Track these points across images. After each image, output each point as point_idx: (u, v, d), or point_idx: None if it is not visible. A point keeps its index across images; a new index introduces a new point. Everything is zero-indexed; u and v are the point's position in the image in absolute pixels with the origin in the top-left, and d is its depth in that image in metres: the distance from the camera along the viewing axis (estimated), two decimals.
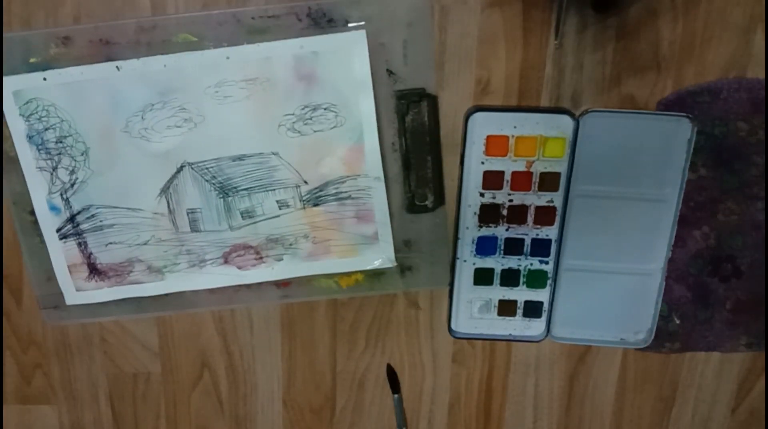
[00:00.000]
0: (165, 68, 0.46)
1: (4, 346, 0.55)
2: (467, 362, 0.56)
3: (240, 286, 0.53)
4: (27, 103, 0.47)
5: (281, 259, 0.52)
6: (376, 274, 0.52)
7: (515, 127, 0.47)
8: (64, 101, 0.47)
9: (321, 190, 0.50)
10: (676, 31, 0.46)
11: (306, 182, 0.49)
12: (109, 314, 0.53)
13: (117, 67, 0.46)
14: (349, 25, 0.45)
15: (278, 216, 0.50)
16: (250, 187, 0.49)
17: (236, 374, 0.56)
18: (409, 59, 0.46)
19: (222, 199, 0.49)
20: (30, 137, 0.48)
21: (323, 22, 0.45)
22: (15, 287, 0.53)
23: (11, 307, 0.54)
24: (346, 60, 0.46)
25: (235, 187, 0.49)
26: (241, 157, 0.48)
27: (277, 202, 0.50)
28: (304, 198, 0.50)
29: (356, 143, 0.48)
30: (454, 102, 0.48)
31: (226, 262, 0.52)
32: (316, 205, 0.50)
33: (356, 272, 0.52)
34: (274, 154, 0.48)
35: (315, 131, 0.48)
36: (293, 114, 0.47)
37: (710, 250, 0.52)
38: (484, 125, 0.47)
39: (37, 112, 0.47)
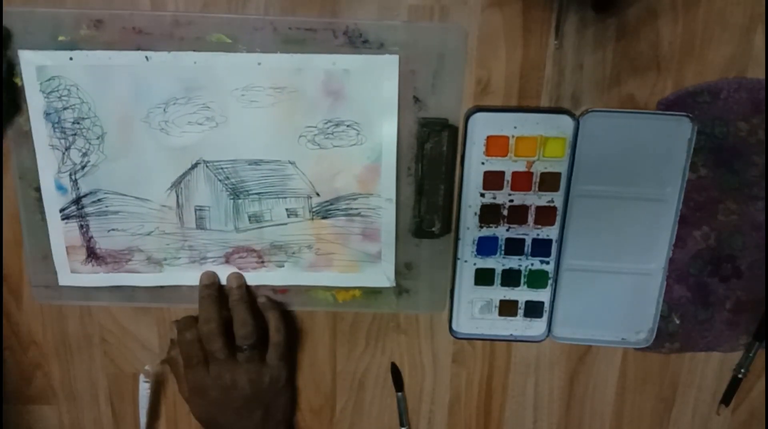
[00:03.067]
0: (195, 65, 0.46)
1: (4, 346, 0.55)
2: (467, 362, 0.56)
3: None
4: (49, 80, 0.46)
5: (282, 266, 0.52)
6: (373, 292, 0.53)
7: (515, 127, 0.47)
8: (88, 83, 0.46)
9: (332, 204, 0.50)
10: (676, 31, 0.46)
11: (318, 194, 0.50)
12: (101, 300, 0.53)
13: (146, 57, 0.46)
14: (384, 48, 0.46)
15: (286, 223, 0.50)
16: (262, 193, 0.49)
17: None
18: (437, 89, 0.47)
19: (232, 201, 0.50)
20: (47, 114, 0.47)
21: (358, 42, 0.45)
22: (15, 287, 0.53)
23: (11, 307, 0.54)
24: (375, 81, 0.46)
25: (247, 191, 0.49)
26: (257, 162, 0.48)
27: (287, 210, 0.50)
28: (313, 209, 0.50)
29: (373, 163, 0.48)
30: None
31: (227, 262, 0.52)
32: (324, 217, 0.50)
33: (355, 288, 0.53)
34: (290, 163, 0.49)
35: (334, 146, 0.48)
36: (315, 127, 0.47)
37: (710, 250, 0.52)
38: (484, 125, 0.47)
39: (58, 91, 0.47)
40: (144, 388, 0.54)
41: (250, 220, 0.50)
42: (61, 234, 0.51)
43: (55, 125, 0.48)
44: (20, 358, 0.55)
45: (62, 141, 0.48)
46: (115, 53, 0.46)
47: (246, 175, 0.49)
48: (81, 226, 0.50)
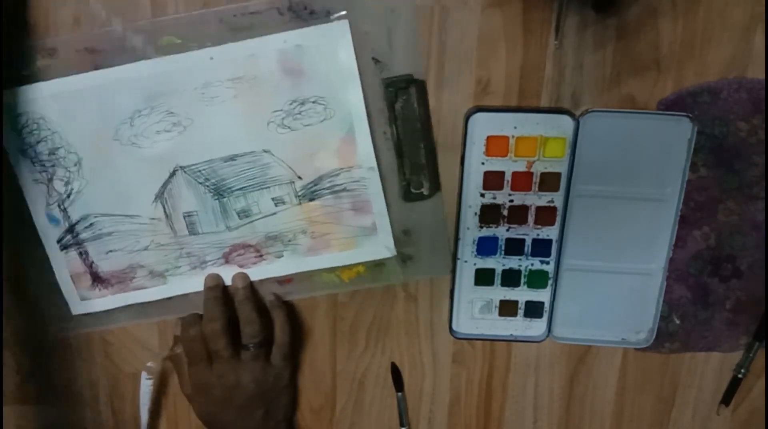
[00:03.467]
0: (149, 73, 0.46)
1: (4, 346, 0.55)
2: (467, 362, 0.56)
3: None
4: (17, 116, 0.47)
5: (281, 256, 0.52)
6: (377, 265, 0.52)
7: (515, 127, 0.47)
8: (53, 113, 0.47)
9: (316, 185, 0.49)
10: (676, 31, 0.46)
11: (300, 178, 0.49)
12: (115, 321, 0.53)
13: (101, 75, 0.46)
14: (332, 16, 0.45)
15: (275, 213, 0.50)
16: (245, 187, 0.49)
17: None
18: (395, 46, 0.46)
19: (217, 201, 0.49)
20: (23, 151, 0.48)
21: (305, 15, 0.45)
22: (15, 288, 0.53)
23: (11, 307, 0.54)
24: (330, 51, 0.45)
25: (229, 188, 0.49)
26: (232, 157, 0.48)
27: (273, 199, 0.50)
28: (299, 193, 0.50)
29: (347, 134, 0.48)
30: (454, 102, 0.48)
31: (227, 262, 0.52)
32: (312, 199, 0.50)
33: (357, 264, 0.52)
34: (265, 151, 0.48)
35: (305, 125, 0.47)
36: (282, 110, 0.47)
37: (710, 250, 0.52)
38: (484, 126, 0.47)
39: (27, 125, 0.47)
40: (146, 386, 0.54)
41: (239, 216, 0.50)
42: (63, 264, 0.51)
43: (34, 160, 0.48)
44: (20, 358, 0.55)
45: (43, 174, 0.48)
46: (71, 78, 0.46)
47: (225, 173, 0.49)
48: (80, 253, 0.51)
